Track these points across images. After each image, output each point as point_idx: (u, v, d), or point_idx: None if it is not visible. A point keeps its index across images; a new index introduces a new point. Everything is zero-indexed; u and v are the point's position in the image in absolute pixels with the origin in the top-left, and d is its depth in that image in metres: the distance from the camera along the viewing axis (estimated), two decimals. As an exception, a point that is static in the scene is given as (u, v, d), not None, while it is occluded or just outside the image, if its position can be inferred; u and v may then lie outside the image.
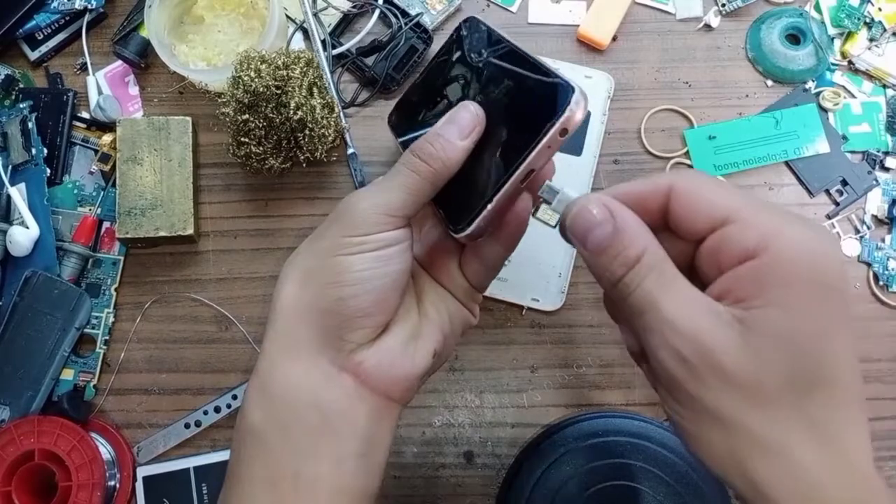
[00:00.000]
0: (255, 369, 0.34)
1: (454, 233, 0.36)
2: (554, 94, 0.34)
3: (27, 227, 0.50)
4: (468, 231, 0.36)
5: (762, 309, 0.28)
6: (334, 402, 0.33)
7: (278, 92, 0.48)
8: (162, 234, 0.50)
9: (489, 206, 0.35)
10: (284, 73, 0.48)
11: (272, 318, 0.34)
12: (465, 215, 0.36)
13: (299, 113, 0.48)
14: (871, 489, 0.28)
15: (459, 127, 0.36)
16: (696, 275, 0.31)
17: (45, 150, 0.53)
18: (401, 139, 0.45)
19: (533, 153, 0.34)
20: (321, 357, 0.33)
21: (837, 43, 0.56)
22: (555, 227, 0.36)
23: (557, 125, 0.33)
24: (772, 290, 0.28)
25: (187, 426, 0.50)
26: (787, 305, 0.28)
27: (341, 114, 0.53)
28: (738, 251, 0.29)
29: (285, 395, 0.33)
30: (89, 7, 0.55)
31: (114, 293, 0.52)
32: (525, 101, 0.36)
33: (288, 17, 0.55)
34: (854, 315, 0.52)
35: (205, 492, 0.49)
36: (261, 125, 0.49)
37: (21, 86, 0.55)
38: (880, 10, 0.55)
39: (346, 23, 0.56)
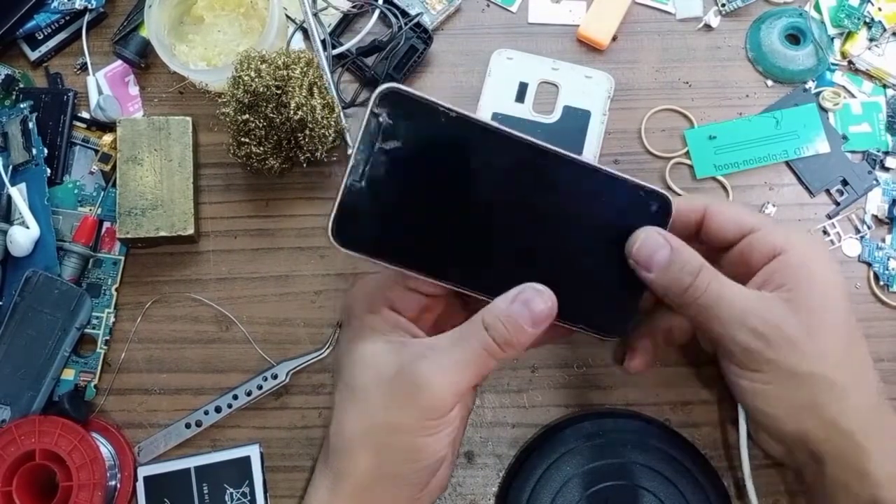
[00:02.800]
0: None
1: (607, 338, 0.44)
2: (656, 201, 0.41)
3: (27, 227, 0.50)
4: (625, 335, 0.45)
5: (798, 290, 0.39)
6: None
7: (278, 92, 0.48)
8: (162, 234, 0.50)
9: (637, 311, 0.43)
10: (285, 73, 0.48)
11: (354, 480, 0.39)
12: (615, 323, 0.43)
13: (299, 113, 0.48)
14: (884, 405, 0.41)
15: (534, 316, 0.37)
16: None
17: (46, 151, 0.53)
18: (373, 258, 0.39)
19: None
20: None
21: (837, 43, 0.56)
22: None
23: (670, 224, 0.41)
24: (801, 275, 0.39)
25: (188, 426, 0.51)
26: (814, 284, 0.39)
27: (341, 114, 0.53)
28: (767, 250, 0.40)
29: None
30: (89, 7, 0.55)
31: (114, 293, 0.52)
32: (616, 211, 0.41)
33: (288, 17, 0.55)
34: (854, 315, 0.52)
35: (205, 492, 0.49)
36: (261, 125, 0.49)
37: (21, 86, 0.55)
38: (880, 9, 0.55)
39: (346, 23, 0.56)
